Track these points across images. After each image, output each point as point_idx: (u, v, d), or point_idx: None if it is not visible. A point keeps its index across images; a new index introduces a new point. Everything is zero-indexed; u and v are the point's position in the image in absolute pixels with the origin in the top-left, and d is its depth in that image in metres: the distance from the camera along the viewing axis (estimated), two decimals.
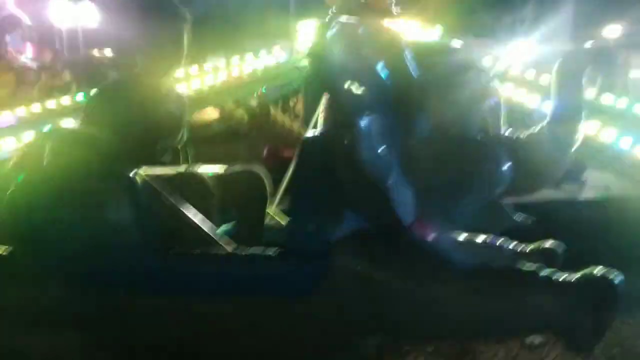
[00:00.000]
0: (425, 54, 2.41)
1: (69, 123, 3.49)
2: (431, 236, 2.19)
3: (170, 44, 2.80)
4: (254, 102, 5.29)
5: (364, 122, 2.17)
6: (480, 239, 2.27)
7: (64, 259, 2.32)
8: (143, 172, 2.40)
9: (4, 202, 2.41)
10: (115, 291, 2.30)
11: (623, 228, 2.69)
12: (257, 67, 5.10)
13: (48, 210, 2.33)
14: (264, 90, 5.26)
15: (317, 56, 2.42)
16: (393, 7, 5.18)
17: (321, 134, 2.33)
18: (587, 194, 3.28)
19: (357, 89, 2.21)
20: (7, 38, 7.50)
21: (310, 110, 4.92)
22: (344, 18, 2.49)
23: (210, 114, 5.29)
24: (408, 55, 2.31)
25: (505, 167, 2.44)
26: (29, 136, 3.85)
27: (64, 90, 7.01)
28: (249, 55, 5.13)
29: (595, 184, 3.36)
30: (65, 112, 4.35)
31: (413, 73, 2.29)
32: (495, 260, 2.22)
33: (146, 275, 2.33)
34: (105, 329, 2.34)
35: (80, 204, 2.34)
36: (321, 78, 2.42)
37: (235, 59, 5.10)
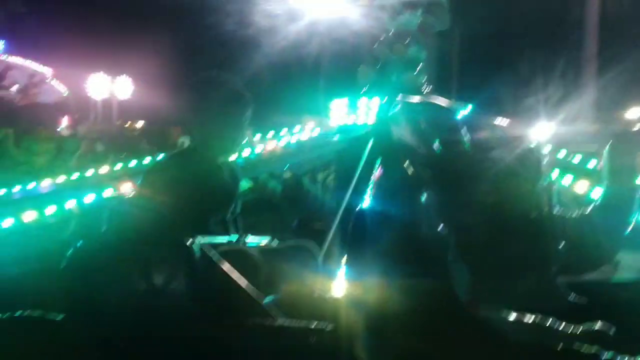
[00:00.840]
0: (481, 132, 2.50)
1: (127, 190, 3.61)
2: (485, 314, 2.20)
3: (234, 127, 2.93)
4: (286, 175, 5.43)
5: (423, 199, 2.24)
6: (531, 318, 2.26)
7: (118, 326, 2.36)
8: (198, 240, 2.47)
9: (61, 267, 2.49)
10: None
11: None
12: (291, 140, 5.28)
13: (105, 276, 2.40)
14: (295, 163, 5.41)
15: (378, 132, 2.52)
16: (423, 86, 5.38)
17: (376, 207, 2.38)
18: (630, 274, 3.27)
19: (416, 166, 2.29)
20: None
21: (342, 183, 5.04)
22: (406, 97, 2.60)
23: (244, 184, 5.43)
24: (464, 133, 2.40)
25: (559, 246, 2.47)
26: (70, 203, 3.97)
27: (100, 159, 7.27)
28: (283, 130, 5.33)
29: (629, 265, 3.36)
30: (103, 180, 4.50)
31: (471, 151, 2.37)
32: (549, 341, 2.22)
33: (199, 345, 2.35)
34: None
35: (137, 271, 2.40)
36: (381, 153, 2.50)
37: (269, 132, 5.29)
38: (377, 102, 4.93)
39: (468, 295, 2.17)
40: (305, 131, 5.39)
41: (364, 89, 5.41)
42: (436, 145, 2.33)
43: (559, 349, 2.21)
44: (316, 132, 5.39)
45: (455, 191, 2.31)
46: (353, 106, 5.47)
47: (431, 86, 5.43)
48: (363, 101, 5.41)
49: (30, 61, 12.13)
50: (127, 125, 12.69)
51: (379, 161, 2.62)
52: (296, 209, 5.76)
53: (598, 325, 2.28)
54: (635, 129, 2.72)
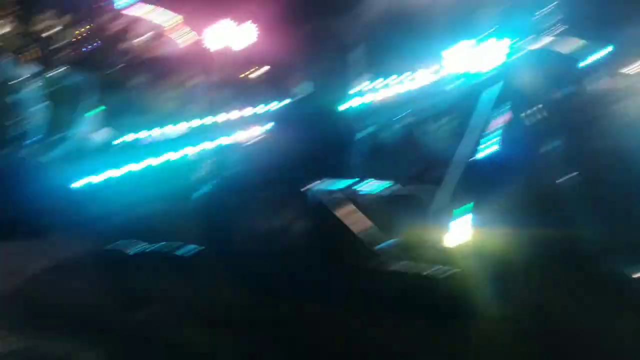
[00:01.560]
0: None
1: (254, 135, 3.74)
2: (614, 268, 2.11)
3: (347, 74, 2.94)
4: (404, 122, 5.35)
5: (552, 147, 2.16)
6: None
7: (244, 263, 2.48)
8: (316, 186, 2.52)
9: (194, 204, 2.64)
10: (289, 298, 2.42)
11: None
12: (408, 87, 5.16)
13: (233, 215, 2.52)
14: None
15: (506, 77, 2.43)
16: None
17: (504, 154, 2.31)
18: None
19: (545, 113, 2.21)
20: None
21: (461, 130, 4.90)
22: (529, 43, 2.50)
23: (361, 132, 5.42)
24: (588, 82, 2.27)
25: None
26: (200, 147, 4.16)
27: (226, 105, 7.49)
28: (400, 76, 5.21)
29: None
30: (232, 125, 4.66)
31: (592, 100, 2.24)
32: None
33: (318, 287, 2.43)
34: (278, 333, 2.47)
35: (258, 213, 2.50)
36: (510, 99, 2.42)
37: (385, 79, 5.20)
38: (501, 46, 4.72)
39: (597, 248, 2.08)
40: (422, 77, 5.25)
41: (487, 32, 5.19)
42: (561, 92, 2.22)
43: None
44: (433, 78, 5.24)
45: (581, 139, 2.20)
46: (471, 51, 5.27)
47: (565, 25, 5.11)
48: (483, 46, 5.19)
49: (160, 9, 12.69)
50: (251, 72, 12.99)
51: (506, 107, 2.54)
52: (414, 157, 5.68)
53: None
54: None
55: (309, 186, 2.48)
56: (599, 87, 2.38)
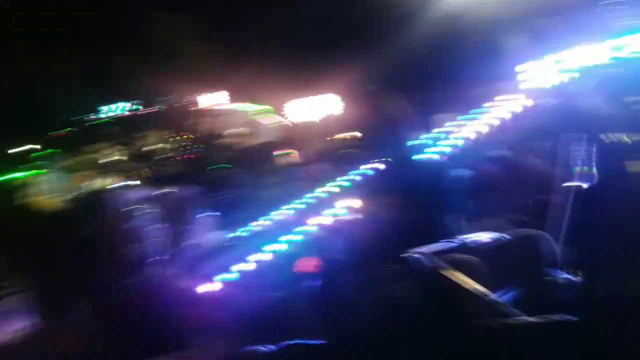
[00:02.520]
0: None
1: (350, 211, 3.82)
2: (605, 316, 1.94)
3: (384, 124, 3.01)
4: (505, 153, 5.23)
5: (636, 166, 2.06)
6: None
7: (368, 343, 2.49)
8: (422, 250, 2.52)
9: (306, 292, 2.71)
10: None
11: None
12: (500, 115, 5.07)
13: (351, 300, 2.55)
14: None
15: (579, 101, 2.37)
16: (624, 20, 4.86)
17: (593, 183, 2.22)
18: None
19: (625, 133, 2.13)
20: None
21: (555, 151, 4.70)
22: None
23: (463, 173, 5.35)
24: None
25: None
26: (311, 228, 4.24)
27: (324, 178, 7.68)
28: (484, 106, 5.15)
29: None
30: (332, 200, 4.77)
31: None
32: None
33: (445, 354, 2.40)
34: None
35: (375, 289, 2.53)
36: (582, 124, 2.35)
37: (469, 112, 5.14)
38: (573, 55, 4.56)
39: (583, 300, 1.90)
40: (508, 101, 5.14)
41: (556, 43, 5.03)
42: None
43: None
44: (521, 100, 5.12)
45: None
46: (557, 61, 5.10)
47: (635, 18, 4.88)
48: (554, 57, 5.02)
49: (248, 103, 13.34)
50: (344, 138, 13.32)
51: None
52: (520, 187, 5.50)
53: None
54: None
55: (410, 253, 2.49)
56: None
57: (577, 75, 2.36)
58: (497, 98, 5.16)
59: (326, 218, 3.91)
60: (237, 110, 12.90)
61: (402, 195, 2.85)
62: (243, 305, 3.19)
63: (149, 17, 15.20)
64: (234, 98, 14.82)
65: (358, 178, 4.52)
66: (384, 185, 3.01)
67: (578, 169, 2.36)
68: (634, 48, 4.45)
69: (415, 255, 2.47)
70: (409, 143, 3.06)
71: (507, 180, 5.21)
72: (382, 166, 3.19)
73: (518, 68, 4.97)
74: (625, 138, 2.09)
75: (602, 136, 2.14)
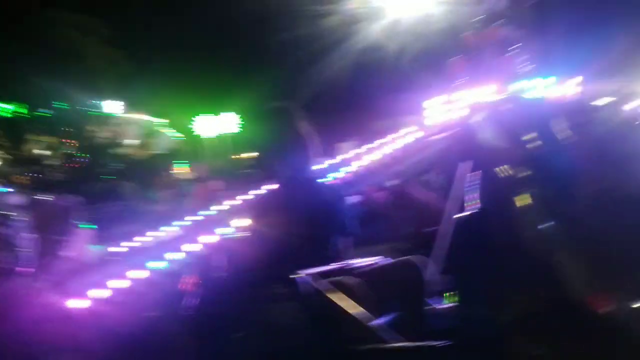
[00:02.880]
0: (575, 115, 2.34)
1: (236, 230, 3.72)
2: (611, 309, 2.03)
3: (293, 143, 2.97)
4: (394, 182, 5.36)
5: (522, 198, 2.13)
6: None
7: None
8: (306, 272, 2.49)
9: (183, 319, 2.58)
10: None
11: None
12: (394, 147, 5.20)
13: (227, 323, 2.44)
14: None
15: (468, 135, 2.43)
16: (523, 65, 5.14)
17: (477, 212, 2.28)
18: None
19: (511, 165, 2.19)
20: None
21: (447, 184, 4.88)
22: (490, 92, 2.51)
23: (353, 199, 5.42)
24: (558, 122, 2.26)
25: None
26: (194, 247, 4.11)
27: (217, 197, 7.55)
28: (384, 137, 5.26)
29: None
30: (222, 219, 4.65)
31: (566, 140, 2.22)
32: None
33: None
34: None
35: (256, 312, 2.44)
36: (473, 156, 2.41)
37: (368, 141, 5.25)
38: (471, 94, 4.77)
39: (588, 292, 2.01)
40: (406, 134, 5.30)
41: (459, 82, 5.26)
42: (529, 141, 2.20)
43: None
44: (416, 133, 5.28)
45: (557, 185, 2.16)
46: (448, 102, 5.32)
47: (533, 65, 5.18)
48: (458, 95, 5.25)
49: (145, 115, 12.98)
50: (236, 158, 13.26)
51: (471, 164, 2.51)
52: (409, 217, 5.65)
53: None
54: None
55: (297, 273, 2.44)
56: (568, 123, 2.36)
57: (475, 112, 2.43)
58: (399, 130, 5.32)
59: (213, 236, 3.78)
60: (133, 121, 12.50)
61: (293, 217, 2.80)
62: (114, 324, 3.00)
63: (46, 17, 14.50)
64: (131, 108, 14.37)
65: (251, 197, 4.44)
66: (276, 205, 2.94)
67: (467, 201, 2.42)
68: (531, 91, 4.70)
69: (300, 276, 2.42)
70: (306, 166, 3.03)
71: (396, 210, 5.33)
72: (276, 187, 3.12)
73: (424, 104, 5.15)
74: (515, 172, 2.16)
75: (494, 170, 2.19)
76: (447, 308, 2.86)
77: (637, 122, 2.41)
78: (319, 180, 3.10)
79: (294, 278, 2.41)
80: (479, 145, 2.29)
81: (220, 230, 4.10)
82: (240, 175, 9.46)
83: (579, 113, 2.48)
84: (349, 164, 5.04)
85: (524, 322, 2.05)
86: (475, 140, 2.31)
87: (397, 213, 5.35)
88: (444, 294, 2.93)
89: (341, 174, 4.87)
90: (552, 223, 2.09)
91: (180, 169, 9.57)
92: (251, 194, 4.71)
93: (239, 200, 4.87)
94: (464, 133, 2.51)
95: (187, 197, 7.93)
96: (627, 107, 2.62)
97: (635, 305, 2.06)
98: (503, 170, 2.16)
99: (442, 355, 2.21)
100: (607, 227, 2.13)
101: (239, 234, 3.34)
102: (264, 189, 3.25)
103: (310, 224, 2.77)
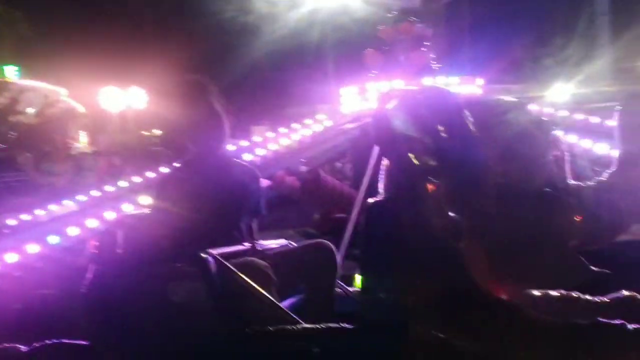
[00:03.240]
0: (484, 111, 2.42)
1: (139, 207, 3.59)
2: (509, 295, 2.13)
3: (208, 119, 2.90)
4: (304, 168, 5.37)
5: (430, 186, 2.18)
6: (556, 293, 2.19)
7: (142, 346, 2.34)
8: (213, 252, 2.43)
9: (80, 296, 2.47)
10: None
11: None
12: (305, 133, 5.20)
13: (125, 300, 2.37)
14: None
15: (379, 123, 2.44)
16: (432, 63, 5.29)
17: (386, 199, 2.32)
18: None
19: (421, 154, 2.23)
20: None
21: (359, 172, 4.96)
22: (402, 85, 2.53)
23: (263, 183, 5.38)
24: (468, 115, 2.33)
25: (578, 218, 2.39)
26: (92, 223, 3.95)
27: (119, 173, 7.29)
28: (296, 123, 5.25)
29: None
30: (124, 196, 4.48)
31: (475, 133, 2.29)
32: (575, 315, 2.14)
33: (226, 357, 2.32)
34: None
35: (156, 289, 2.37)
36: (382, 144, 2.43)
37: (281, 127, 5.21)
38: (384, 86, 4.86)
39: (488, 279, 2.10)
40: (318, 122, 5.31)
41: (373, 73, 5.34)
42: (439, 132, 2.25)
43: (585, 322, 2.14)
44: (329, 121, 5.30)
45: (464, 176, 2.24)
46: (363, 92, 5.39)
47: (440, 63, 5.35)
48: (373, 86, 5.33)
49: (44, 82, 12.27)
50: (146, 135, 12.84)
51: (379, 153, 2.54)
52: (316, 203, 5.69)
53: (622, 294, 2.20)
54: None
55: (208, 252, 2.38)
56: (475, 116, 2.44)
57: (386, 102, 2.46)
58: (313, 117, 5.32)
59: (113, 212, 3.64)
60: (28, 88, 11.78)
61: (203, 195, 2.73)
62: (8, 300, 2.83)
63: None
64: (29, 75, 13.54)
65: (160, 173, 4.30)
66: (186, 183, 2.85)
67: (377, 188, 2.45)
68: (442, 85, 4.83)
69: (204, 256, 2.37)
70: (219, 144, 2.95)
71: (305, 195, 5.35)
72: (187, 163, 3.03)
73: (341, 91, 5.18)
74: (423, 162, 2.20)
75: (402, 159, 2.23)
76: (352, 292, 2.92)
77: (540, 123, 2.53)
78: (232, 160, 3.03)
79: (201, 257, 2.35)
80: (389, 134, 2.32)
81: (122, 207, 3.95)
82: (146, 152, 9.17)
83: (486, 109, 2.56)
84: (262, 146, 4.99)
85: (427, 308, 2.11)
86: (386, 129, 2.34)
87: (306, 198, 5.38)
88: (350, 278, 2.97)
89: (253, 156, 4.82)
90: (457, 213, 2.16)
91: (81, 142, 9.14)
92: (159, 170, 4.58)
93: (145, 176, 4.72)
94: (375, 122, 2.53)
95: (87, 171, 7.59)
96: (532, 107, 2.74)
97: (529, 292, 2.17)
98: (411, 159, 2.20)
99: (346, 338, 2.24)
100: (508, 220, 2.23)
101: (143, 211, 3.22)
102: (174, 165, 3.14)
103: (219, 203, 2.71)
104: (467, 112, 2.28)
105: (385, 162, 2.39)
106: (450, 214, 2.14)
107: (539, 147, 2.39)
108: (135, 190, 4.55)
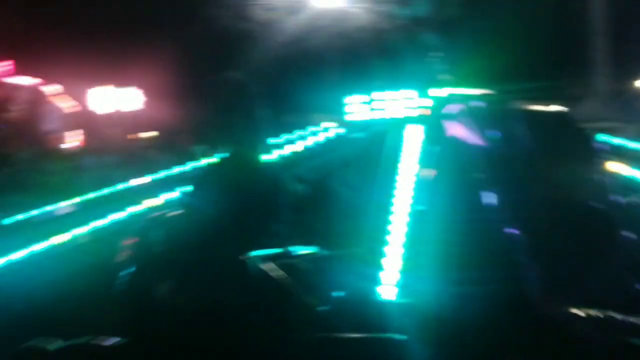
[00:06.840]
0: (539, 122, 2.41)
1: (169, 205, 3.53)
2: (562, 312, 2.11)
3: (248, 117, 2.87)
4: (311, 176, 5.34)
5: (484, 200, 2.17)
6: (600, 314, 2.15)
7: (177, 348, 2.28)
8: (257, 254, 2.39)
9: (113, 296, 2.42)
10: None
11: None
12: (313, 141, 5.20)
13: (163, 297, 2.32)
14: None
15: (430, 129, 2.43)
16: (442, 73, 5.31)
17: (435, 209, 2.29)
18: None
19: (473, 166, 2.22)
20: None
21: (364, 181, 4.93)
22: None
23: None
24: (521, 125, 2.32)
25: (631, 233, 2.39)
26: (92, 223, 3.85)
27: (114, 172, 7.17)
28: (304, 131, 5.25)
29: None
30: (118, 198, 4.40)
31: (527, 142, 2.28)
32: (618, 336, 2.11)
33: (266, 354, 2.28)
34: None
35: (195, 290, 2.32)
36: (434, 153, 2.41)
37: (290, 135, 5.21)
38: (400, 95, 4.86)
39: (540, 296, 2.07)
40: (326, 130, 5.31)
41: (382, 83, 5.34)
42: (493, 141, 2.24)
43: (629, 343, 2.12)
44: (336, 130, 5.31)
45: (520, 189, 2.22)
46: (370, 101, 5.39)
47: (450, 75, 5.36)
48: (381, 95, 5.33)
49: (38, 80, 12.09)
50: (139, 136, 12.71)
51: (425, 160, 2.52)
52: (323, 211, 5.64)
53: None
54: None
55: (245, 255, 2.33)
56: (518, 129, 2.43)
57: (393, 113, 2.45)
58: (320, 124, 5.32)
59: (135, 209, 3.58)
60: (22, 85, 11.58)
61: (236, 195, 2.68)
62: (30, 295, 2.76)
63: None
64: (22, 71, 13.30)
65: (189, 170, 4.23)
66: (217, 180, 2.80)
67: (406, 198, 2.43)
68: (441, 97, 4.84)
69: (247, 258, 2.32)
70: (257, 141, 2.89)
71: (315, 202, 5.32)
72: (221, 161, 2.97)
73: (346, 100, 5.18)
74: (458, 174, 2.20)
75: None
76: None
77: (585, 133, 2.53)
78: (264, 159, 2.99)
79: (242, 259, 2.30)
80: (436, 141, 2.31)
81: (137, 205, 3.89)
82: (138, 154, 9.06)
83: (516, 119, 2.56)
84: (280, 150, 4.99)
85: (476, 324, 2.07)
86: (433, 135, 2.33)
87: (313, 206, 5.32)
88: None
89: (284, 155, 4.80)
90: (516, 227, 2.14)
91: (74, 140, 9.01)
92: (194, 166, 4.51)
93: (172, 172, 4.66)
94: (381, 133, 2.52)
95: (83, 169, 7.47)
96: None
97: (575, 310, 2.15)
98: (463, 170, 2.19)
99: (399, 348, 2.20)
100: (559, 231, 2.22)
101: (174, 210, 3.16)
102: (206, 162, 3.09)
103: (249, 205, 2.67)
104: (521, 123, 2.27)
105: (427, 171, 2.37)
106: (506, 227, 2.12)
107: (590, 159, 2.38)
108: (145, 190, 4.48)
